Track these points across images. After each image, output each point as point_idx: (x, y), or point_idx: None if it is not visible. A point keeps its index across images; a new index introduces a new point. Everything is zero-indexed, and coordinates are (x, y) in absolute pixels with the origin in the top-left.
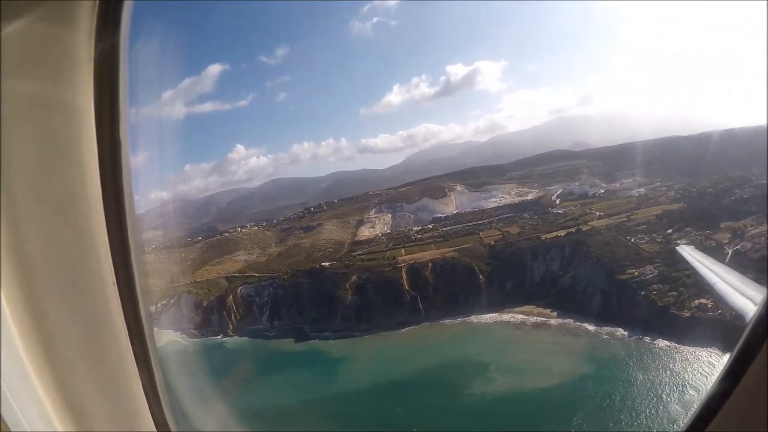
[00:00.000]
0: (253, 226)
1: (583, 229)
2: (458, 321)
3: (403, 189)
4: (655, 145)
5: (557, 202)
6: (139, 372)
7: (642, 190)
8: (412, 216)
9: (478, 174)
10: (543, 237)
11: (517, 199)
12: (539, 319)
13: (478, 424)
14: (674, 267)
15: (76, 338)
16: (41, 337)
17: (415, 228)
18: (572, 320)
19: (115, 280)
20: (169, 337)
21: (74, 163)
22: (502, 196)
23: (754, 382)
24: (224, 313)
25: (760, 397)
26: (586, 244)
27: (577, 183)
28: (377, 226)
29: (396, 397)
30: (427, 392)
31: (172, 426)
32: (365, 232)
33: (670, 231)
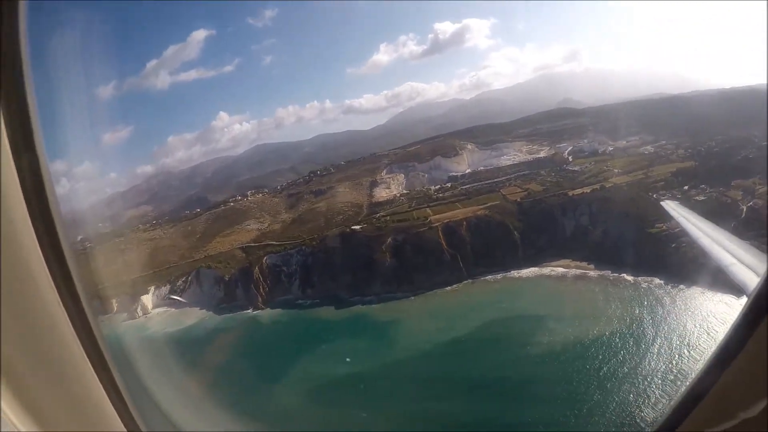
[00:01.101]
0: (256, 194)
1: (607, 186)
2: (500, 276)
3: (412, 149)
4: (653, 103)
5: (570, 159)
6: (95, 371)
7: (650, 148)
8: (426, 175)
9: (486, 132)
10: (570, 194)
11: (530, 157)
12: (578, 271)
13: (550, 372)
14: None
15: (32, 363)
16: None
17: (433, 187)
18: (610, 271)
19: (59, 299)
20: (195, 316)
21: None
22: (514, 154)
23: (756, 347)
24: (251, 285)
25: (760, 364)
26: (612, 200)
27: (585, 140)
28: (392, 186)
29: (462, 354)
30: (491, 347)
31: (141, 424)
32: (382, 193)
33: (686, 188)
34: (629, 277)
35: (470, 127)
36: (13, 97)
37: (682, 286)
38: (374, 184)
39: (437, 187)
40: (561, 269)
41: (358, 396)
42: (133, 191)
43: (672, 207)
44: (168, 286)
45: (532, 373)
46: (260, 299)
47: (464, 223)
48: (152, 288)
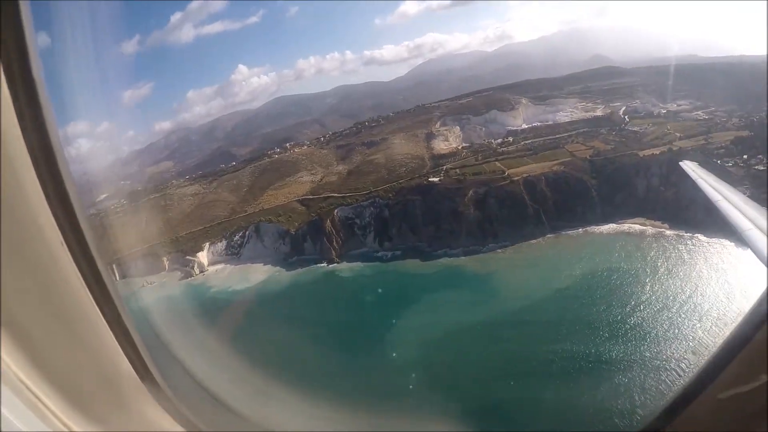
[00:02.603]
0: (298, 146)
1: (674, 149)
2: (581, 231)
3: (464, 101)
4: (694, 67)
5: (626, 119)
6: (109, 325)
7: (701, 113)
8: (483, 129)
9: (536, 87)
10: (640, 154)
11: (586, 115)
12: (654, 230)
13: (655, 325)
14: (763, 189)
15: (37, 311)
16: (5, 320)
17: (495, 141)
18: (684, 231)
19: (62, 239)
20: (263, 271)
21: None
22: (571, 111)
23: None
24: (324, 238)
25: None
26: (672, 163)
27: (637, 101)
28: (450, 138)
29: (566, 304)
30: (595, 298)
31: (159, 381)
32: (441, 146)
33: (746, 157)
34: (703, 238)
35: (520, 81)
36: (14, 51)
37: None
38: (430, 136)
39: (499, 140)
40: (638, 226)
41: (481, 343)
42: (151, 148)
43: (691, 168)
44: (224, 242)
45: (637, 322)
46: (334, 252)
47: (543, 178)
48: (207, 244)
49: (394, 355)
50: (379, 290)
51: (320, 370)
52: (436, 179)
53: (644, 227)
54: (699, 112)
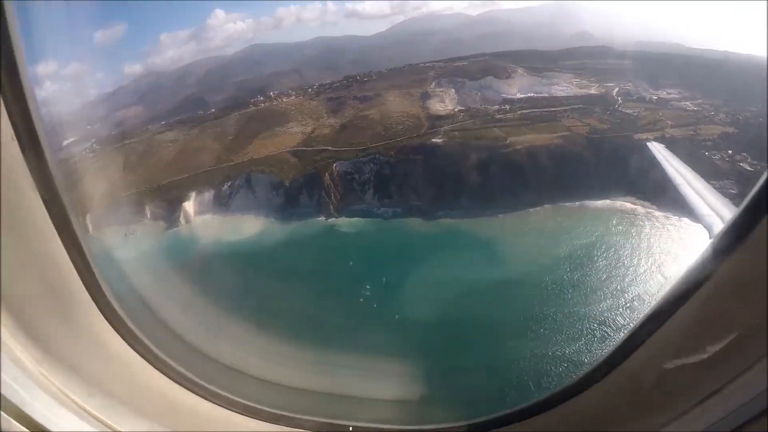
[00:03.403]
0: (288, 96)
1: (666, 136)
2: (577, 204)
3: (459, 64)
4: (681, 57)
5: (619, 100)
6: (61, 238)
7: (689, 104)
8: (479, 94)
9: (531, 58)
10: (635, 137)
11: (581, 92)
12: (645, 209)
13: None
14: (744, 185)
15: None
16: None
17: (491, 107)
18: (671, 213)
19: (13, 133)
20: (256, 223)
21: None
22: (566, 86)
23: (722, 282)
24: (322, 192)
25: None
26: (671, 150)
27: (630, 84)
28: (446, 100)
29: (570, 271)
30: (598, 267)
31: (108, 295)
32: (437, 107)
33: (731, 152)
34: (689, 221)
35: (515, 50)
36: None
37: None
38: (426, 96)
39: (496, 107)
40: (629, 205)
41: (490, 302)
42: (120, 92)
43: (657, 149)
44: (211, 192)
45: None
46: (332, 207)
47: (545, 149)
48: (193, 194)
49: (400, 310)
50: (382, 246)
51: (317, 323)
52: (439, 140)
53: (635, 206)
54: (687, 103)
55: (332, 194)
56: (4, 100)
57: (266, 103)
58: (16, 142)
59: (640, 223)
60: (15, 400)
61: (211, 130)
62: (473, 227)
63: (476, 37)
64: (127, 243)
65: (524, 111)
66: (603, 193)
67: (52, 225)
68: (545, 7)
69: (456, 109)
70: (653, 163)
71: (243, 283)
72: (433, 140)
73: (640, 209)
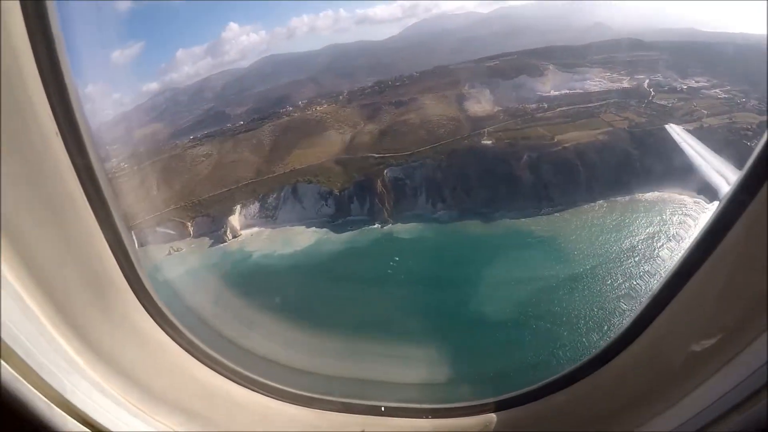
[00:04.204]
0: (320, 104)
1: (705, 126)
2: (627, 199)
3: (491, 64)
4: (703, 42)
5: (652, 92)
6: (102, 230)
7: (718, 91)
8: (514, 93)
9: (560, 54)
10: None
11: (614, 86)
12: (692, 199)
13: None
14: None
15: (24, 198)
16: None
17: (529, 106)
18: (718, 201)
19: (56, 128)
20: (308, 234)
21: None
22: (598, 80)
23: (723, 257)
24: (375, 199)
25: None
26: (711, 140)
27: (659, 75)
28: (483, 101)
29: (640, 264)
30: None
31: (148, 287)
32: (475, 108)
33: None
34: None
35: (543, 47)
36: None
37: None
38: (462, 97)
39: (534, 106)
40: (677, 195)
41: (574, 297)
42: (138, 110)
43: (676, 131)
44: (257, 204)
45: None
46: (386, 213)
47: (592, 145)
48: (237, 207)
49: (478, 312)
50: (447, 249)
51: (397, 329)
52: (489, 142)
53: (682, 196)
54: (717, 90)
55: (385, 201)
56: (48, 97)
57: (298, 113)
58: (60, 139)
59: (692, 213)
60: (57, 387)
61: (246, 142)
62: (534, 226)
63: (491, 35)
64: (172, 260)
65: (562, 108)
66: (651, 185)
67: (94, 218)
68: (553, 1)
69: (495, 110)
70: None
71: (307, 294)
72: (483, 142)
73: (687, 199)
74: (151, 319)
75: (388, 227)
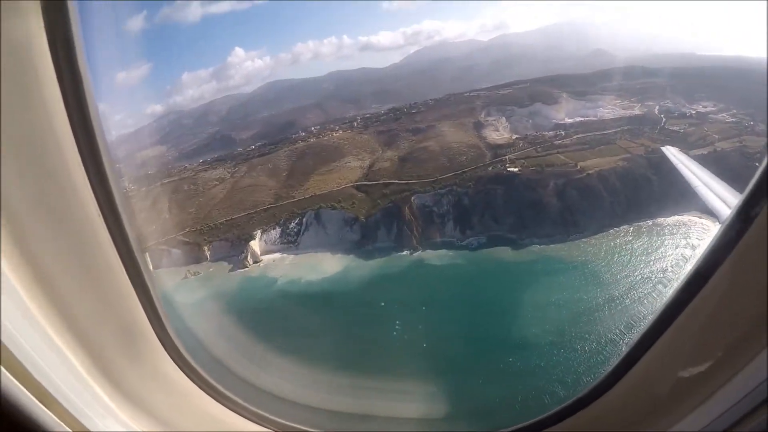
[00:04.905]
0: (335, 130)
1: (718, 150)
2: (650, 223)
3: (505, 92)
4: (706, 67)
5: (663, 118)
6: (135, 291)
7: (726, 116)
8: (529, 121)
9: (571, 82)
10: (691, 152)
11: (626, 113)
12: (710, 222)
13: None
14: None
15: (68, 268)
16: (35, 271)
17: (547, 133)
18: None
19: (98, 209)
20: (335, 261)
21: (36, 101)
22: (611, 108)
23: (722, 282)
24: (403, 226)
25: (728, 297)
26: (724, 164)
27: (668, 102)
28: (500, 129)
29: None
30: None
31: (175, 340)
32: (493, 135)
33: None
34: None
35: (554, 75)
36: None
37: None
38: (479, 125)
39: (551, 133)
40: (696, 218)
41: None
42: (140, 132)
43: (672, 153)
44: (278, 230)
45: None
46: (415, 240)
47: (614, 171)
48: (258, 232)
49: (521, 336)
50: (480, 275)
51: (445, 355)
52: (515, 169)
53: (701, 219)
54: (724, 115)
55: (414, 228)
56: (75, 139)
57: (312, 139)
58: (99, 213)
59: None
60: (90, 426)
61: (262, 167)
62: (563, 252)
63: (493, 62)
64: (189, 285)
65: (578, 135)
66: (671, 209)
67: (129, 282)
68: (553, 28)
69: (513, 137)
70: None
71: (343, 320)
72: (510, 169)
73: (708, 222)
74: (177, 367)
75: (418, 254)
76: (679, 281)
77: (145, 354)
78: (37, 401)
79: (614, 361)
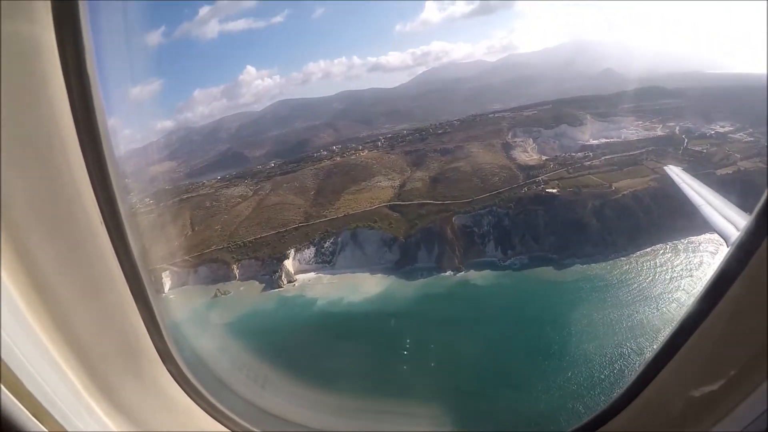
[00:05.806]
0: (361, 150)
1: (741, 169)
2: (684, 242)
3: (529, 113)
4: (717, 86)
5: (685, 139)
6: (137, 305)
7: (744, 135)
8: (556, 142)
9: (593, 104)
10: (717, 173)
11: (649, 134)
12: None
13: None
14: None
15: (69, 279)
16: (35, 281)
17: (575, 155)
18: None
19: (101, 219)
20: (374, 282)
21: (43, 103)
22: (634, 129)
23: (731, 304)
24: (445, 246)
25: (736, 320)
26: (749, 183)
27: (688, 123)
28: (529, 150)
29: None
30: None
31: (176, 356)
32: (523, 156)
33: None
34: None
35: (576, 96)
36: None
37: None
38: (508, 146)
39: (580, 154)
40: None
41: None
42: (150, 147)
43: (675, 173)
44: (312, 249)
45: None
46: (457, 260)
47: (646, 192)
48: (291, 251)
49: (579, 354)
50: (529, 295)
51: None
52: (554, 190)
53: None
54: (742, 134)
55: (456, 248)
56: (80, 143)
57: (337, 158)
58: (102, 222)
59: None
60: None
61: (288, 184)
62: (605, 271)
63: (502, 83)
64: (220, 304)
65: (606, 156)
66: (702, 227)
67: (131, 294)
68: (559, 48)
69: (542, 159)
70: (745, 198)
71: (393, 342)
72: (548, 190)
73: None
74: (176, 384)
75: (461, 274)
76: (690, 302)
77: (144, 369)
78: (31, 416)
79: (629, 380)
